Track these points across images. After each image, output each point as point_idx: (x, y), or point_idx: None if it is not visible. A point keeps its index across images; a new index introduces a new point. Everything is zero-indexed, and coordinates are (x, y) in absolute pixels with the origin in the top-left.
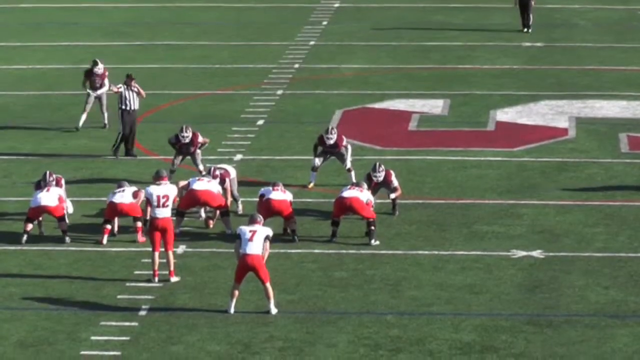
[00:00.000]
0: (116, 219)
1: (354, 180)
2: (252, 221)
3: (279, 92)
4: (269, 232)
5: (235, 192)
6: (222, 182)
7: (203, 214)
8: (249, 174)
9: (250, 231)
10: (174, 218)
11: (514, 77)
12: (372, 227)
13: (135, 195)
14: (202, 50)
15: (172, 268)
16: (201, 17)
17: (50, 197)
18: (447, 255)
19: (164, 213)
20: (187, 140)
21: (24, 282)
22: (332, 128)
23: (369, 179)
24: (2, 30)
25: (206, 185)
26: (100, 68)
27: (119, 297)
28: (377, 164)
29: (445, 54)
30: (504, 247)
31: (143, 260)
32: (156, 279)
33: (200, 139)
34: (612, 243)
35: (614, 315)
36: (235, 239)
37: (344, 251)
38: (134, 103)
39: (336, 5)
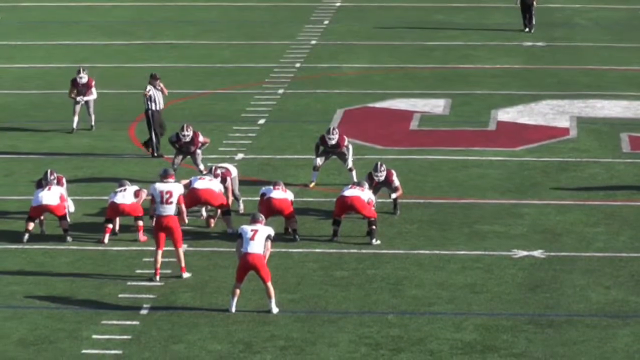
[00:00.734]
0: (117, 218)
1: (355, 179)
2: (254, 220)
3: (280, 91)
4: (270, 231)
5: (237, 191)
6: (223, 181)
7: (204, 213)
8: (250, 173)
9: (252, 230)
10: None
11: (515, 77)
12: (373, 227)
13: (136, 194)
14: (203, 49)
15: (183, 264)
16: (202, 16)
17: (51, 196)
18: (448, 255)
19: (168, 211)
20: (187, 139)
21: (26, 281)
22: (334, 128)
23: (370, 179)
24: (3, 29)
25: (207, 184)
26: (83, 77)
27: (120, 296)
28: (379, 163)
29: (446, 54)
30: (505, 247)
31: (144, 259)
32: (157, 277)
33: (201, 138)
34: (613, 243)
35: (615, 315)
36: (237, 238)
37: (345, 250)
38: (160, 102)
39: (337, 4)
